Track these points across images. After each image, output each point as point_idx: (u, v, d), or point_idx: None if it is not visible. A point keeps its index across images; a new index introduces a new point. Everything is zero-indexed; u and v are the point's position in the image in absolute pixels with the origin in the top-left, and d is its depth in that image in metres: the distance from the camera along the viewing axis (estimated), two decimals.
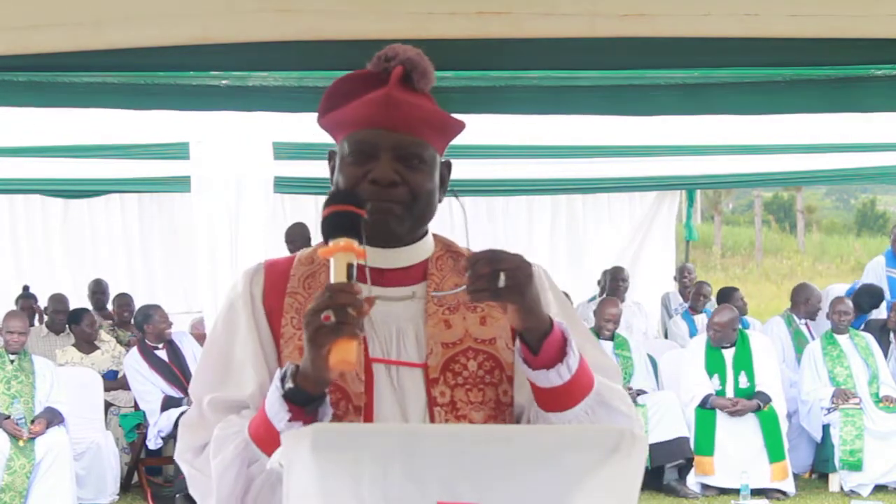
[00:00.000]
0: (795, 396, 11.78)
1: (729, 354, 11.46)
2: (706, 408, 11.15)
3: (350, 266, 2.56)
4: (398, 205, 2.74)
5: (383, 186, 2.71)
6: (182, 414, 9.74)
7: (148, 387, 11.11)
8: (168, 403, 10.95)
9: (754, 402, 11.12)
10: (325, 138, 2.85)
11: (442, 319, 2.82)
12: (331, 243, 2.59)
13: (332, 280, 2.55)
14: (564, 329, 2.67)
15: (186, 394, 10.35)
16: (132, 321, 12.52)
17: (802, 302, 12.96)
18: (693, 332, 13.40)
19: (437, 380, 2.77)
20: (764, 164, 12.64)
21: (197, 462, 2.80)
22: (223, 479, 2.69)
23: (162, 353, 11.35)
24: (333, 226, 2.61)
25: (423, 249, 2.88)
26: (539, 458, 2.34)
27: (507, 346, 2.82)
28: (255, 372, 2.78)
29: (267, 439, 2.60)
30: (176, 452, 2.90)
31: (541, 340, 2.62)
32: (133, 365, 11.27)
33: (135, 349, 11.47)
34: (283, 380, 2.59)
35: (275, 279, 2.86)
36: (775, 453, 10.92)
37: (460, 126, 2.81)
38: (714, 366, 11.43)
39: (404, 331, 2.79)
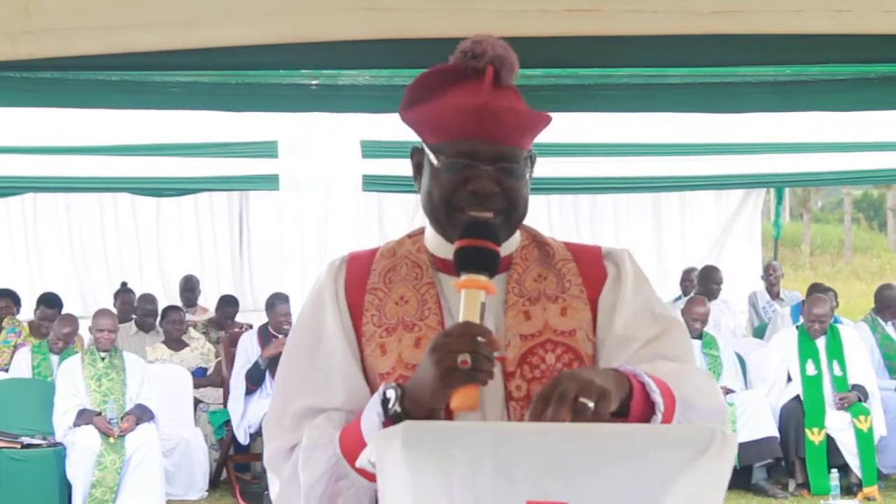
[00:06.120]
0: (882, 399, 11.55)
1: (821, 344, 11.28)
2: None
3: (483, 305, 2.55)
4: (497, 214, 2.69)
5: (482, 196, 2.67)
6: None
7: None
8: (252, 373, 11.02)
9: (854, 393, 10.99)
10: (413, 137, 2.82)
11: (522, 311, 2.77)
12: (463, 277, 2.57)
13: (462, 315, 2.53)
14: (639, 375, 2.55)
15: None
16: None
17: (888, 306, 12.49)
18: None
19: (513, 373, 2.71)
20: (854, 161, 12.50)
21: (284, 470, 2.77)
22: (311, 493, 2.67)
23: None
24: (470, 259, 2.59)
25: (510, 244, 2.82)
26: (629, 457, 2.31)
27: (587, 338, 2.77)
28: (344, 376, 2.74)
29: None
30: (264, 458, 2.87)
31: (626, 405, 2.50)
32: (246, 344, 11.30)
33: (254, 331, 11.54)
34: (384, 403, 2.55)
35: (356, 273, 2.83)
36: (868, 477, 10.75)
37: (547, 121, 2.74)
38: (808, 353, 11.25)
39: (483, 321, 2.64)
